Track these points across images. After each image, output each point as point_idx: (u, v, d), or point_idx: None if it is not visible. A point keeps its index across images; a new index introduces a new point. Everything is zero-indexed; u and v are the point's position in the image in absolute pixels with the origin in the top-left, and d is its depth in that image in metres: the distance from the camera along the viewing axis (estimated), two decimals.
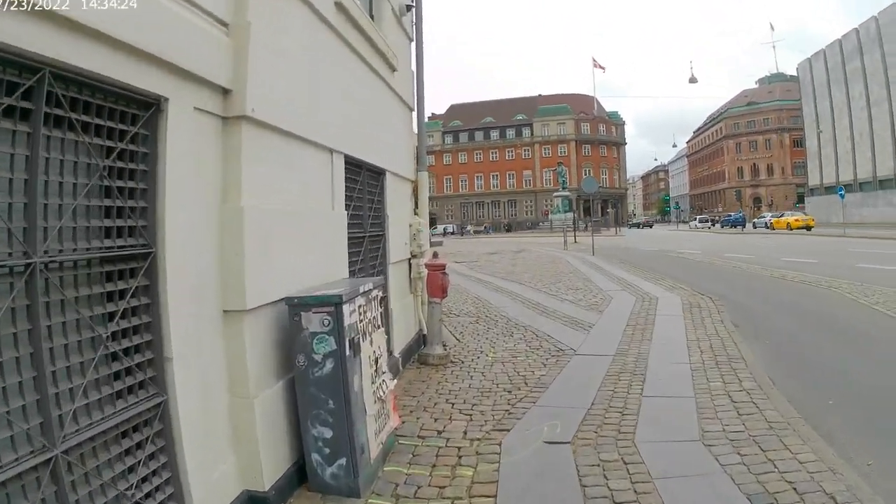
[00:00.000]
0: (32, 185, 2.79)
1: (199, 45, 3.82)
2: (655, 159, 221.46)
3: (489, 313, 13.14)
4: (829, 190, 71.89)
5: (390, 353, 7.78)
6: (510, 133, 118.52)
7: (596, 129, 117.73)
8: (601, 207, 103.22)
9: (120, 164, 3.38)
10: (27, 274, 2.77)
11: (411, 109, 10.06)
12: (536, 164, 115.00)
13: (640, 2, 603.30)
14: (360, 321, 4.93)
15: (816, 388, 7.19)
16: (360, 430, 4.67)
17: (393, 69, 8.32)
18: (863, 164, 67.75)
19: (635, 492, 4.53)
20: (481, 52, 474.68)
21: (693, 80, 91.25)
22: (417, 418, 6.40)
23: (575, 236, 47.97)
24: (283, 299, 4.62)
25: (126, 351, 3.40)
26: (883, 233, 39.83)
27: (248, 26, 4.24)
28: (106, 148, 3.29)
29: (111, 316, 3.32)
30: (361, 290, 5.02)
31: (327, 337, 4.48)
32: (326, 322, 4.47)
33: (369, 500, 4.59)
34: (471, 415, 6.46)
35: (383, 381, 5.43)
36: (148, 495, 3.43)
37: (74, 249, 3.09)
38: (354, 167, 6.88)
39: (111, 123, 3.30)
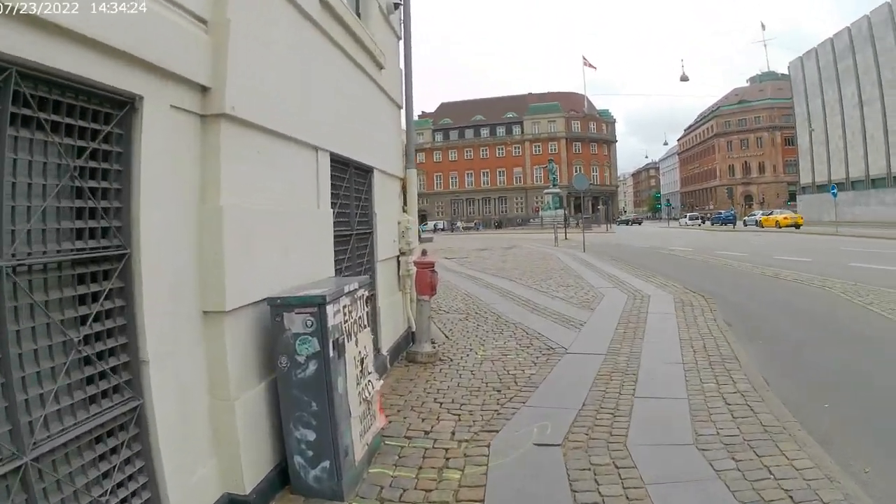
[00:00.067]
0: None
1: (177, 43, 3.72)
2: (646, 157, 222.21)
3: (479, 310, 13.08)
4: (821, 188, 72.20)
5: (378, 351, 7.72)
6: (500, 131, 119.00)
7: (586, 127, 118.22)
8: (592, 204, 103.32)
9: (93, 163, 3.29)
10: None
11: (400, 107, 9.97)
12: (527, 161, 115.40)
13: (635, 2, 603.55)
14: (345, 322, 4.84)
15: (811, 389, 7.15)
16: (344, 433, 4.58)
17: (380, 67, 8.23)
18: (855, 163, 67.93)
19: (627, 498, 4.45)
20: (475, 51, 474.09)
21: (684, 78, 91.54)
22: (405, 418, 6.32)
23: (566, 233, 47.99)
24: (265, 300, 4.53)
25: (100, 354, 3.31)
26: (875, 231, 39.87)
27: (227, 23, 4.14)
28: (77, 148, 3.19)
29: (84, 319, 3.22)
30: (346, 290, 4.93)
31: (310, 338, 4.38)
32: (309, 323, 4.38)
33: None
34: (459, 415, 6.39)
35: (369, 381, 5.34)
36: (123, 501, 3.34)
37: (45, 252, 2.99)
38: (341, 165, 6.79)
39: (83, 123, 3.20)
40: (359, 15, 7.58)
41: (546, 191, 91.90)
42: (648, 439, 5.52)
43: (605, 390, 6.98)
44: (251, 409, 4.41)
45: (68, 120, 3.11)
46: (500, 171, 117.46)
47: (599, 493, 4.55)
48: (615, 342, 9.44)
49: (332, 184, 6.39)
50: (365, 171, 7.88)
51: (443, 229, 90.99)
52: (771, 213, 61.94)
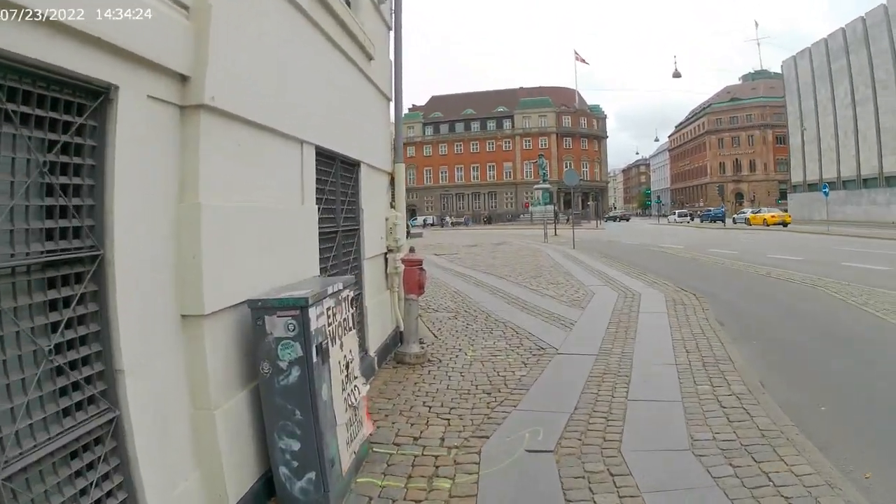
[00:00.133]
0: None
1: (155, 29, 3.48)
2: (637, 153, 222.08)
3: (468, 308, 12.95)
4: (812, 187, 72.54)
5: (365, 352, 7.58)
6: (491, 125, 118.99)
7: (577, 123, 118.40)
8: (582, 200, 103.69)
9: (64, 158, 3.05)
10: None
11: (389, 99, 9.80)
12: (517, 156, 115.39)
13: (637, 3, 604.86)
14: (329, 324, 4.65)
15: (808, 392, 7.06)
16: (329, 442, 4.40)
17: (370, 58, 8.05)
18: (847, 163, 68.23)
19: None
20: (475, 51, 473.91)
21: (677, 74, 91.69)
22: (393, 423, 6.15)
23: (555, 229, 48.03)
24: (245, 301, 4.32)
25: (72, 364, 3.09)
26: (866, 231, 40.15)
27: (209, 9, 3.92)
28: (48, 141, 2.96)
29: (55, 326, 3.00)
30: (330, 291, 4.73)
31: (293, 343, 4.18)
32: (291, 327, 4.18)
33: None
34: (449, 419, 6.23)
35: (355, 386, 5.16)
36: None
37: (12, 255, 2.76)
38: (327, 159, 6.60)
39: (54, 114, 2.97)
40: (348, 4, 7.37)
41: (536, 186, 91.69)
42: (643, 444, 5.40)
43: (597, 393, 6.85)
44: (234, 417, 4.22)
45: (38, 111, 2.88)
46: (490, 166, 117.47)
47: (595, 502, 4.43)
48: (607, 342, 9.33)
49: (317, 178, 6.21)
50: (352, 166, 7.70)
51: (432, 224, 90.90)
52: (759, 211, 62.20)
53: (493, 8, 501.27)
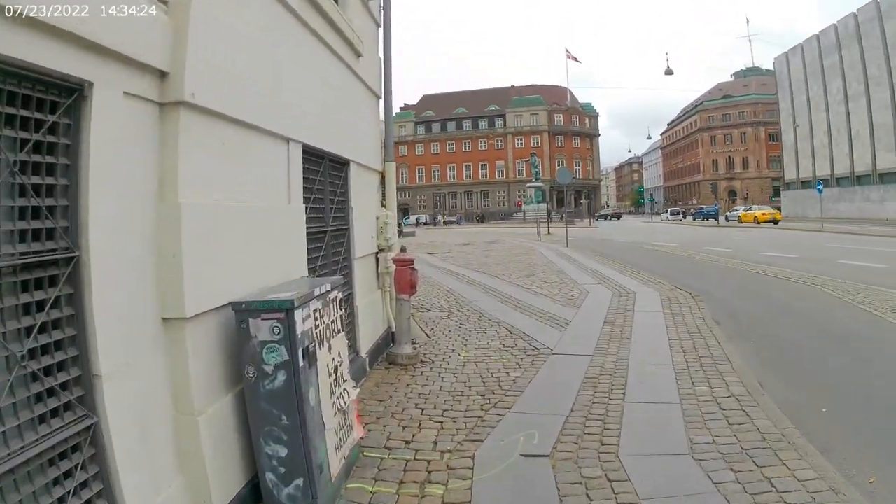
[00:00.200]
0: None
1: (131, 24, 3.35)
2: (629, 151, 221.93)
3: (462, 308, 12.85)
4: (806, 184, 72.55)
5: (356, 353, 7.48)
6: (483, 123, 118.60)
7: (569, 121, 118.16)
8: (574, 198, 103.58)
9: (36, 157, 2.93)
10: None
11: (378, 97, 9.67)
12: (509, 154, 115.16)
13: (627, 1, 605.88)
14: (317, 327, 4.51)
15: (807, 392, 6.97)
16: (317, 447, 4.27)
17: (358, 55, 7.93)
18: (840, 160, 68.16)
19: None
20: (476, 51, 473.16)
21: (669, 71, 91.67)
22: (384, 426, 6.04)
23: (548, 227, 48.05)
24: (229, 304, 4.19)
25: (47, 370, 2.97)
26: (860, 228, 40.12)
27: (188, 3, 3.80)
28: (20, 140, 2.84)
29: (29, 331, 2.88)
30: (317, 293, 4.59)
31: (278, 346, 4.06)
32: (277, 330, 4.05)
33: None
34: (441, 422, 6.11)
35: (344, 390, 5.03)
36: None
37: None
38: (315, 157, 6.48)
39: (25, 112, 2.85)
40: (336, 0, 7.25)
41: (528, 184, 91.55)
42: (641, 449, 5.29)
43: (593, 394, 6.74)
44: (218, 422, 4.10)
45: (9, 109, 2.76)
46: (482, 165, 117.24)
47: None
48: (602, 342, 9.23)
49: (305, 177, 6.09)
50: (341, 164, 7.58)
51: (425, 223, 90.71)
52: (749, 209, 62.30)
53: (484, 7, 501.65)
